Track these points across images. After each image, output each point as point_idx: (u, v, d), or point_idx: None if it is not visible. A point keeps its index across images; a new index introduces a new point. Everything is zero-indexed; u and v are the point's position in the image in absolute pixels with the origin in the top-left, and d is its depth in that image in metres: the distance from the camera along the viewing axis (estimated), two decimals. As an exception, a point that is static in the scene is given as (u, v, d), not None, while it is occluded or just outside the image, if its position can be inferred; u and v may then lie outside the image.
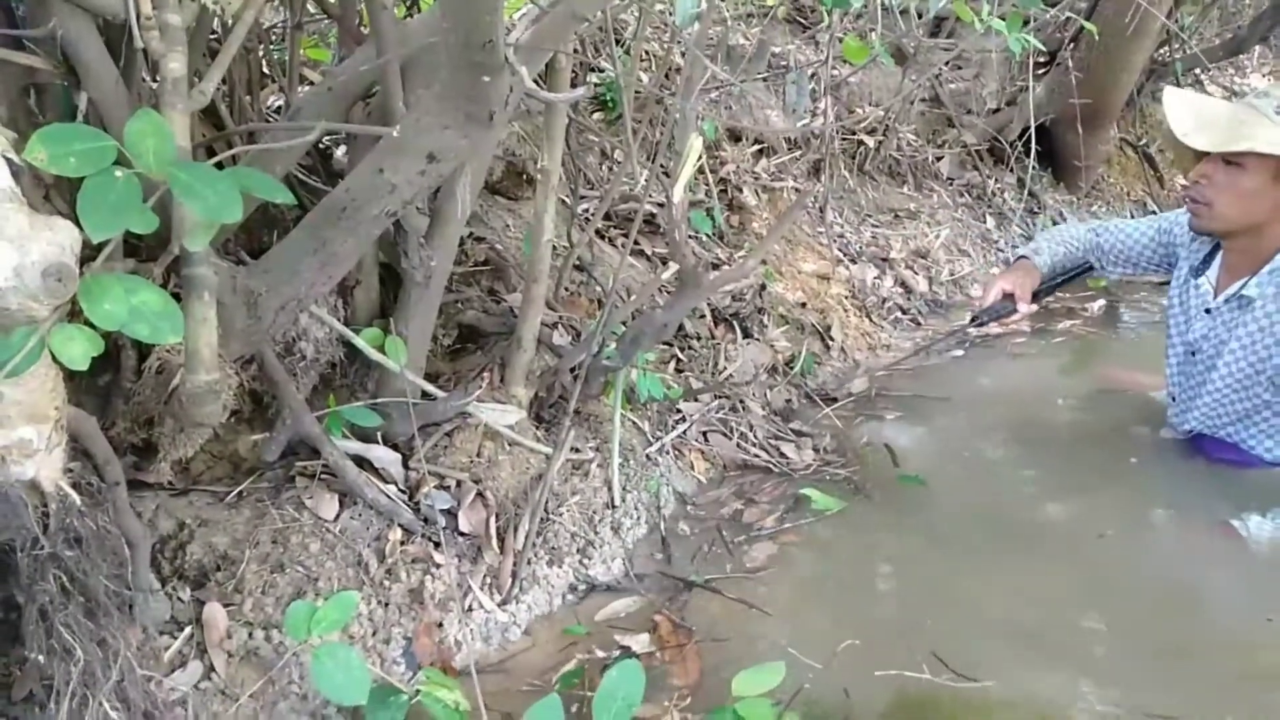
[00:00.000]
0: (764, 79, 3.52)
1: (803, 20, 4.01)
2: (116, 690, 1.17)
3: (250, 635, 1.44)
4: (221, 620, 1.42)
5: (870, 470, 2.08)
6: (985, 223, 3.97)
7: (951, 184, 4.01)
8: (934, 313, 3.25)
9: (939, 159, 4.01)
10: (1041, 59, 4.24)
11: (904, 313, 3.12)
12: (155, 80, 1.35)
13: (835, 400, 2.45)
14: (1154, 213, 4.64)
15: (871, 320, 2.93)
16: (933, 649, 1.49)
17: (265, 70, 1.95)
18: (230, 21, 1.27)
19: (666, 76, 3.14)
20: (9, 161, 0.95)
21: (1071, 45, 4.07)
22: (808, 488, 1.95)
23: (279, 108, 1.93)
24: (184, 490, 1.59)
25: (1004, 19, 2.51)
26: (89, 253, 1.03)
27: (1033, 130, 3.87)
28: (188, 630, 1.39)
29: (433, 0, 1.80)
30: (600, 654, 1.55)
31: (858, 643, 1.53)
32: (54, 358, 0.95)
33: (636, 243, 2.78)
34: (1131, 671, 1.47)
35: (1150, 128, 4.89)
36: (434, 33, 1.51)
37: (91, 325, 0.95)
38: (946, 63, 4.10)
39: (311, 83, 1.99)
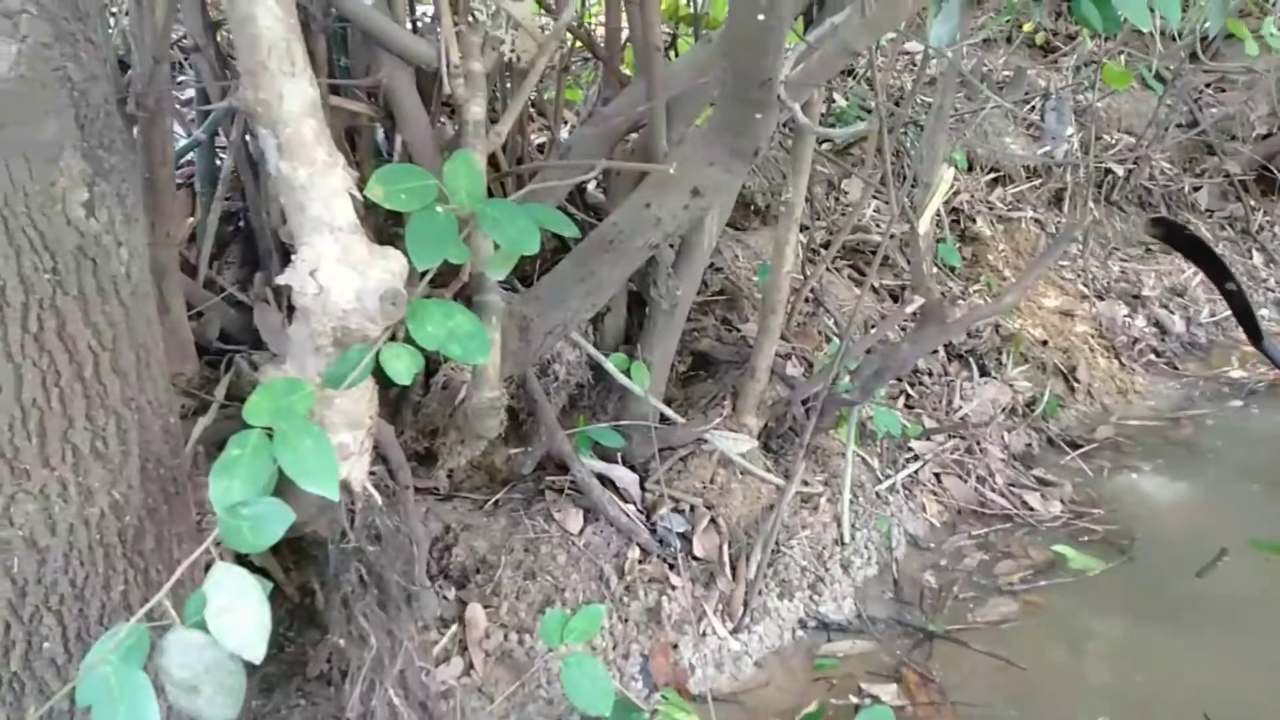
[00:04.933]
0: (998, 106, 3.37)
1: (1044, 45, 3.81)
2: (399, 679, 1.28)
3: (505, 637, 1.53)
4: (482, 621, 1.52)
5: (1129, 527, 1.92)
6: (1250, 259, 3.59)
7: (1211, 216, 3.65)
8: (1191, 355, 2.97)
9: (1196, 189, 3.67)
10: (1325, 78, 3.79)
11: (1158, 355, 2.87)
12: (447, 122, 1.49)
13: (1079, 446, 2.29)
14: None
15: (1121, 362, 2.71)
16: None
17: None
18: (523, 66, 1.38)
19: (896, 104, 3.09)
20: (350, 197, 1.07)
21: (1364, 62, 3.61)
22: (1061, 545, 1.83)
23: (540, 145, 2.07)
24: (448, 496, 1.72)
25: (1295, 37, 2.27)
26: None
27: (1314, 157, 3.47)
28: (453, 628, 1.50)
29: (691, 44, 1.86)
30: (840, 700, 1.52)
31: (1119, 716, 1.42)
32: (382, 372, 1.06)
33: (864, 273, 2.74)
34: None
35: None
36: (699, 74, 1.57)
37: (412, 344, 1.06)
38: (1209, 85, 3.76)
39: (568, 122, 2.12)
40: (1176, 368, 2.84)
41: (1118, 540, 1.89)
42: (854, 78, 3.11)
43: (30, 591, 0.93)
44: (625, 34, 1.72)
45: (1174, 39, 3.34)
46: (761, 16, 1.05)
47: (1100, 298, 2.93)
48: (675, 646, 1.63)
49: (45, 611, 0.95)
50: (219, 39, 1.54)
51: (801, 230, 2.53)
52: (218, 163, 1.61)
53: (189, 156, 1.72)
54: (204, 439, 1.26)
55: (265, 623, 0.86)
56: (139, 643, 0.85)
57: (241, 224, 1.68)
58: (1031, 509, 2.01)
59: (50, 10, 0.80)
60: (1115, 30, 2.08)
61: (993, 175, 3.21)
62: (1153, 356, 2.84)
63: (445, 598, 1.55)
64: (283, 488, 0.94)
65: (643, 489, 1.84)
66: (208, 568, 0.96)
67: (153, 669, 0.85)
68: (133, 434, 0.94)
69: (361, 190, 1.07)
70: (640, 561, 1.72)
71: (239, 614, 0.86)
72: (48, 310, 0.85)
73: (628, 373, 1.78)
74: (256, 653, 0.86)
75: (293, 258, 1.05)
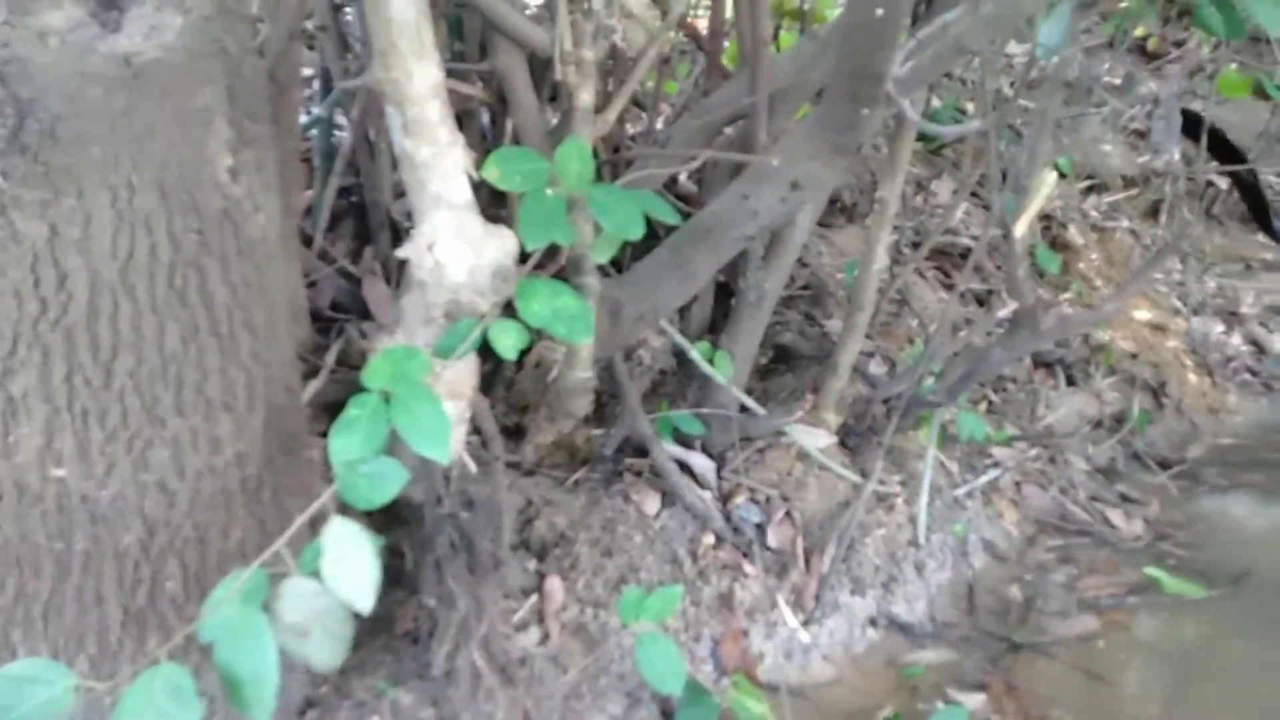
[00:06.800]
0: (1099, 112, 3.29)
1: (1151, 52, 3.69)
2: (483, 641, 1.33)
3: (581, 611, 1.57)
4: (559, 593, 1.56)
5: (1218, 553, 1.87)
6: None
7: (1321, 234, 3.51)
8: (1290, 378, 2.86)
9: (1306, 205, 3.52)
10: None
11: (1253, 374, 2.77)
12: (553, 108, 1.52)
13: (1168, 466, 2.23)
14: None
15: (1214, 380, 2.63)
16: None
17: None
18: (629, 57, 1.41)
19: (993, 107, 3.03)
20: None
21: None
22: (1153, 569, 1.79)
23: (632, 136, 2.10)
24: (530, 471, 1.77)
25: None
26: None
27: None
28: (533, 598, 1.54)
29: (796, 38, 1.87)
30: (927, 705, 1.52)
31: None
32: (488, 346, 1.10)
33: (949, 274, 2.71)
34: None
35: None
36: (803, 69, 1.58)
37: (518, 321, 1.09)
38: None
39: (663, 114, 2.14)
40: (1272, 388, 2.74)
41: (1201, 565, 1.84)
42: (950, 78, 3.06)
43: (158, 533, 1.00)
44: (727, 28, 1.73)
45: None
46: (880, 11, 1.06)
47: (1195, 313, 2.85)
48: (745, 633, 1.65)
49: (170, 553, 1.02)
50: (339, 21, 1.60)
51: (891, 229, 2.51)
52: (335, 140, 1.68)
53: (308, 132, 1.79)
54: (313, 401, 1.32)
55: (376, 576, 0.91)
56: (259, 586, 0.91)
57: (354, 199, 1.75)
58: (1113, 526, 1.97)
59: (212, -15, 0.85)
60: (1239, 36, 2.01)
61: (1088, 183, 3.14)
62: (1248, 376, 2.74)
63: (525, 568, 1.60)
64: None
65: (719, 477, 1.86)
66: (313, 524, 1.02)
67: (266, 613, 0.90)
68: (259, 389, 0.99)
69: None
70: (714, 547, 1.74)
71: (352, 566, 0.91)
72: (191, 268, 0.91)
73: (711, 361, 1.80)
74: (366, 603, 0.91)
75: (411, 232, 1.09)
